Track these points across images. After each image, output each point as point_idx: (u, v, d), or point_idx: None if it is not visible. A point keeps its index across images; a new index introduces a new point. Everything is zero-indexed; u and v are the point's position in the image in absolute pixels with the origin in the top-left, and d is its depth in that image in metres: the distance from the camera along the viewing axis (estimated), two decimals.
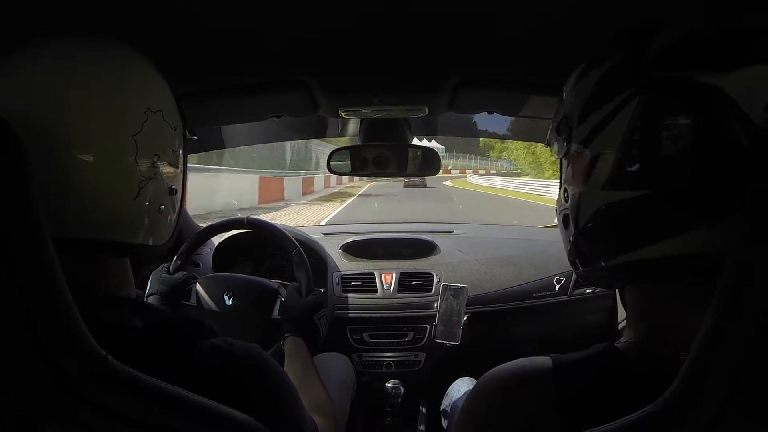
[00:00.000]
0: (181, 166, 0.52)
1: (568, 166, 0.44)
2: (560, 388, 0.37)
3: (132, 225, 0.45)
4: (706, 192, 0.33)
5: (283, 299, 0.97)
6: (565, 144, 0.43)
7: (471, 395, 0.44)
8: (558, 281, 1.39)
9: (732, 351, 0.27)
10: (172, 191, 0.49)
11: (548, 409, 0.37)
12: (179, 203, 0.52)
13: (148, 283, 1.02)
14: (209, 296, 1.01)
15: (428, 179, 21.44)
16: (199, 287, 1.02)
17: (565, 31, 0.63)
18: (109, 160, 0.42)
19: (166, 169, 0.47)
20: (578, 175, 0.41)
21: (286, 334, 0.84)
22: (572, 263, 0.46)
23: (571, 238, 0.44)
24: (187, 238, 1.10)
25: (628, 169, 0.37)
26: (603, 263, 0.41)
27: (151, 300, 0.98)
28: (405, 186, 21.46)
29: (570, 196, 0.43)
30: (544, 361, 0.40)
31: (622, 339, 0.42)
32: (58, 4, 0.53)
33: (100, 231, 0.43)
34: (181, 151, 0.51)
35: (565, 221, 0.45)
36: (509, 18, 0.63)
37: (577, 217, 0.42)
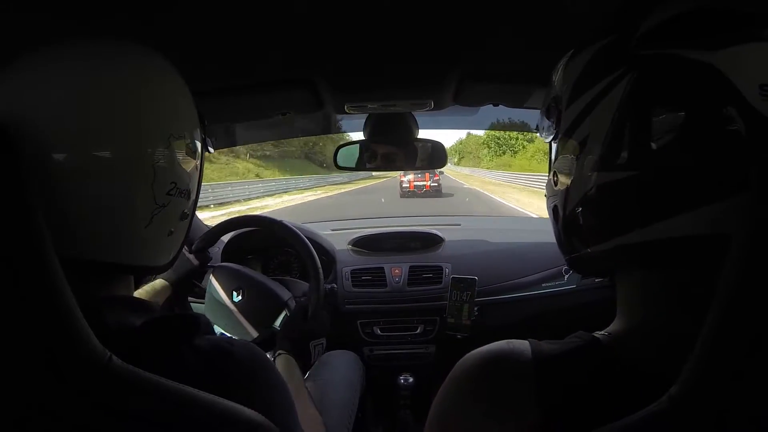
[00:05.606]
0: (196, 189, 0.49)
1: (558, 149, 0.43)
2: (540, 379, 0.36)
3: (139, 249, 0.44)
4: (698, 172, 0.32)
5: (288, 314, 0.97)
6: (554, 127, 0.43)
7: (447, 380, 0.42)
8: (567, 271, 1.39)
9: (739, 345, 0.26)
10: (184, 215, 0.47)
11: (527, 399, 0.35)
12: (188, 225, 0.51)
13: None
14: (220, 287, 1.01)
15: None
16: (212, 276, 1.03)
17: (572, 21, 0.62)
18: (123, 187, 0.40)
19: (180, 196, 0.45)
20: (568, 158, 0.40)
21: (280, 351, 0.86)
22: (561, 249, 0.45)
23: (560, 223, 0.43)
24: (196, 238, 1.10)
25: (619, 150, 0.36)
26: (590, 248, 0.40)
27: (162, 276, 0.97)
28: (402, 196, 14.73)
29: (559, 180, 0.43)
30: (523, 346, 0.38)
31: (607, 329, 0.40)
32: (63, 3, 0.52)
33: (107, 254, 0.41)
34: (197, 173, 0.49)
35: (554, 208, 0.45)
36: (514, 8, 0.62)
37: (566, 200, 0.41)
